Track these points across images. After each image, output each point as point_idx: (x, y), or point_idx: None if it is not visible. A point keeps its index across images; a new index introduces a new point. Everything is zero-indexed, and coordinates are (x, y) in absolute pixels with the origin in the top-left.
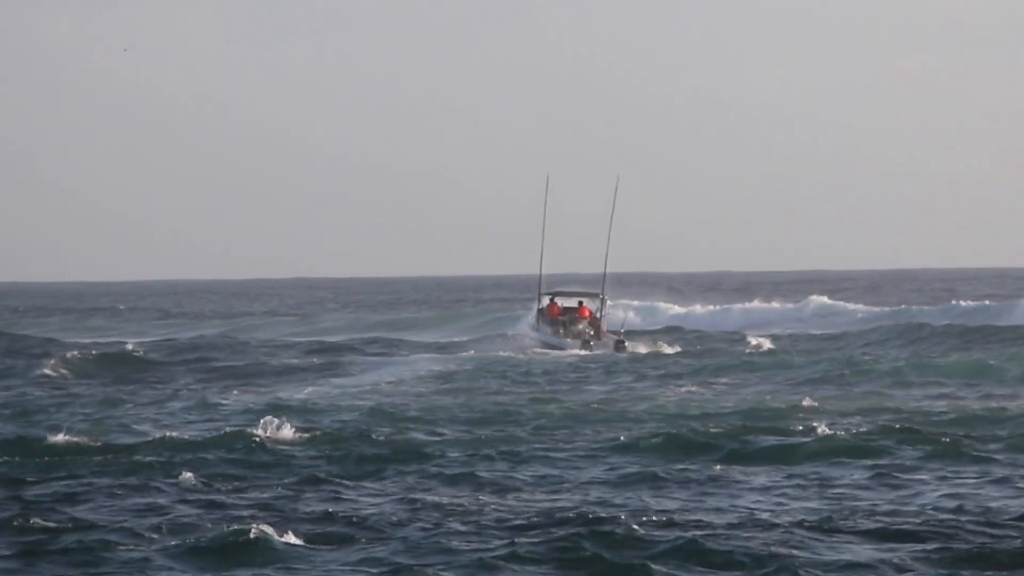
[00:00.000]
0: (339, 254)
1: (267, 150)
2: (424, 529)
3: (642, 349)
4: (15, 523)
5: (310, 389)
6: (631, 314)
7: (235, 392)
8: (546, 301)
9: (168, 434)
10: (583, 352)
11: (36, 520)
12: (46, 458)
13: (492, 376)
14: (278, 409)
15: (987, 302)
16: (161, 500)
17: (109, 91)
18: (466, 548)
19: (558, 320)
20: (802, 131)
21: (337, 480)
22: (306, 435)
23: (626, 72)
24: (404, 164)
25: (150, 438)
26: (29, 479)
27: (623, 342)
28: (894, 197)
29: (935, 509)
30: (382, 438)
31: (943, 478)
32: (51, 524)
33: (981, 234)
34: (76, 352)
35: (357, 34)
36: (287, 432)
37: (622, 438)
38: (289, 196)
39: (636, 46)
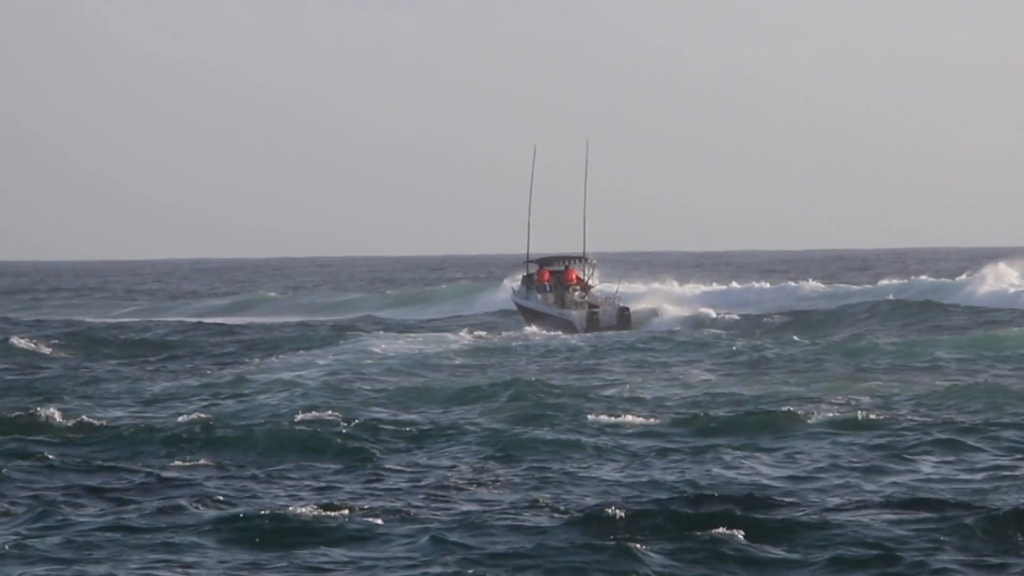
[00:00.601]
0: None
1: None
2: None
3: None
4: (61, 507)
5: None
6: (622, 286)
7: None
8: (534, 268)
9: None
10: (588, 327)
11: (83, 502)
12: (67, 436)
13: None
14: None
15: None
16: (195, 481)
17: (137, 69)
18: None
19: (546, 286)
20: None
21: (375, 459)
22: (327, 414)
23: (660, 47)
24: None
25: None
26: (62, 461)
27: (627, 310)
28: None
29: None
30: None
31: None
32: (91, 509)
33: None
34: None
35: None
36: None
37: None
38: (319, 173)
39: (667, 19)
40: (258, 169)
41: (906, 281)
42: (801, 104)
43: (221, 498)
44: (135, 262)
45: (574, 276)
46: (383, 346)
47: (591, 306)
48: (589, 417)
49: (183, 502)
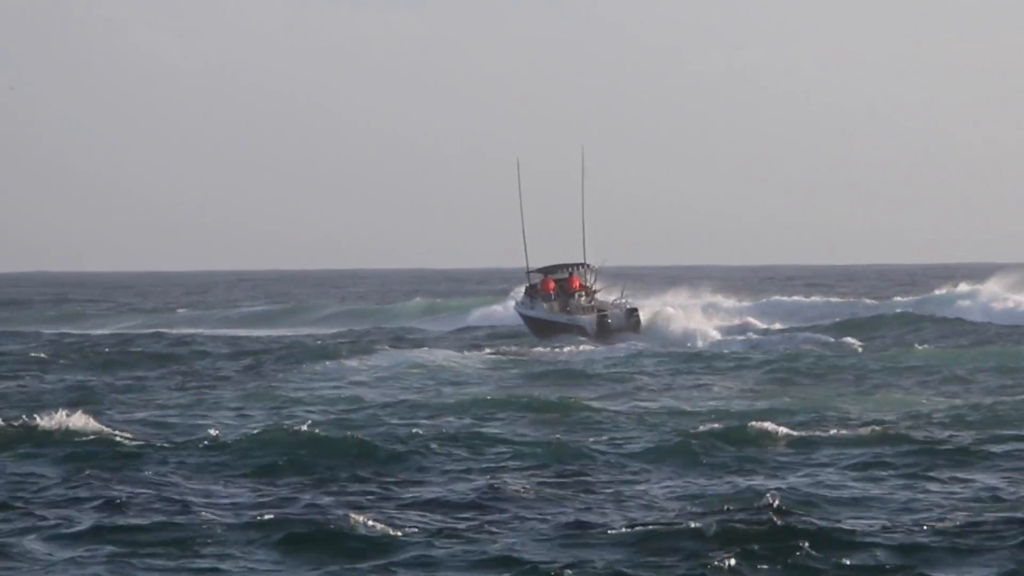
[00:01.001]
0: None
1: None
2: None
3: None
4: (106, 518)
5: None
6: (625, 293)
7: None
8: (538, 278)
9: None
10: (599, 331)
11: (131, 513)
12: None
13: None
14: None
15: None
16: (244, 491)
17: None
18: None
19: (551, 295)
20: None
21: (419, 469)
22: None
23: (665, 50)
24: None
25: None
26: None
27: (636, 311)
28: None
29: None
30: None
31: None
32: (144, 520)
33: None
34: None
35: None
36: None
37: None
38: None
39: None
40: (293, 180)
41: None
42: (835, 111)
43: (271, 511)
44: (167, 273)
45: (578, 283)
46: (426, 356)
47: (599, 311)
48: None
49: (232, 514)
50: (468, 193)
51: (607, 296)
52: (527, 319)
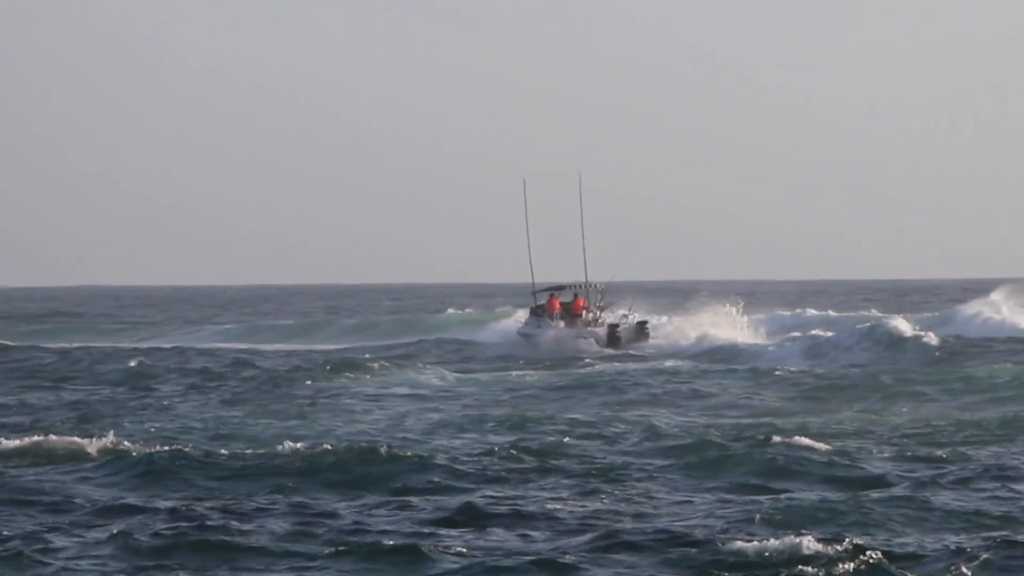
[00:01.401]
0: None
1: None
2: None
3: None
4: (184, 535)
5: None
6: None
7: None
8: (544, 298)
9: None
10: (608, 343)
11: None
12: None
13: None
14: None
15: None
16: (310, 507)
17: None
18: None
19: (557, 314)
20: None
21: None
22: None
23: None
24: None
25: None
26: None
27: (645, 323)
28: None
29: None
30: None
31: None
32: (225, 538)
33: None
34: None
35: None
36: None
37: None
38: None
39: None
40: (334, 193)
41: None
42: (877, 123)
43: (322, 526)
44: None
45: (582, 304)
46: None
47: (610, 325)
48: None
49: (290, 525)
50: (476, 207)
51: (615, 311)
52: (531, 337)
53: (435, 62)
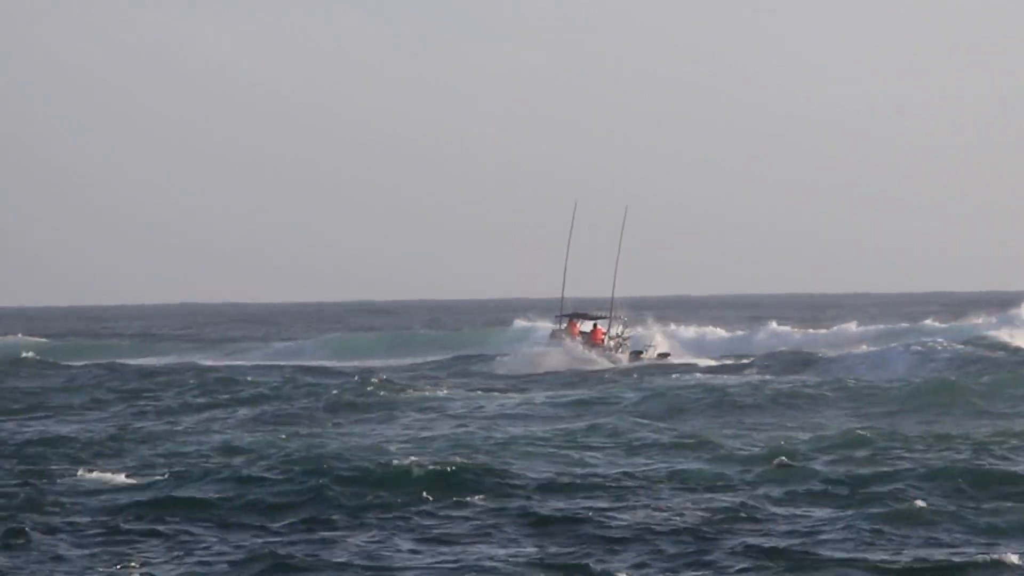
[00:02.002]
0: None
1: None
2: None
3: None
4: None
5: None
6: (658, 336)
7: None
8: (564, 323)
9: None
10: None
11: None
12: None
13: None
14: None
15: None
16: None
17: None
18: None
19: (577, 339)
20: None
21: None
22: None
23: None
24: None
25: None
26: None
27: (667, 355)
28: None
29: None
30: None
31: None
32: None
33: None
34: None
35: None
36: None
37: None
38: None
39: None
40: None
41: None
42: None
43: (420, 544)
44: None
45: (601, 335)
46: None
47: (633, 351)
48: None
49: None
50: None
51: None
52: (540, 358)
53: (477, 77)
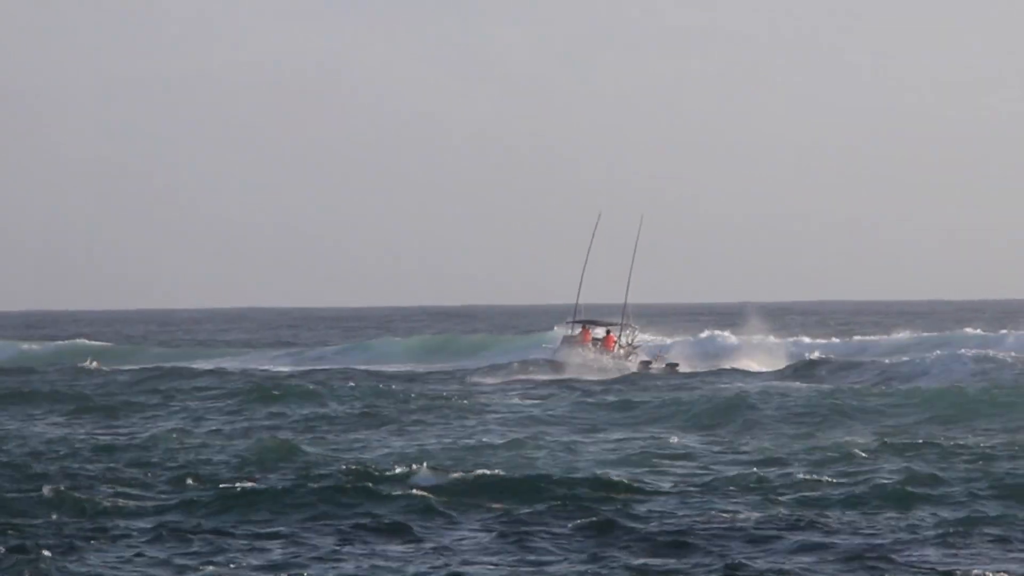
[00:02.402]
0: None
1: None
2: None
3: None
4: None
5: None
6: (667, 341)
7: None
8: (578, 329)
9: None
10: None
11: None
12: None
13: None
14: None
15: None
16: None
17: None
18: None
19: (588, 345)
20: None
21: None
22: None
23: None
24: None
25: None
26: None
27: (676, 365)
28: None
29: None
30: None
31: None
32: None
33: None
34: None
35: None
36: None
37: None
38: None
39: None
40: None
41: None
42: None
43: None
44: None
45: (613, 342)
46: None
47: (642, 361)
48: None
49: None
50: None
51: (649, 350)
52: (559, 365)
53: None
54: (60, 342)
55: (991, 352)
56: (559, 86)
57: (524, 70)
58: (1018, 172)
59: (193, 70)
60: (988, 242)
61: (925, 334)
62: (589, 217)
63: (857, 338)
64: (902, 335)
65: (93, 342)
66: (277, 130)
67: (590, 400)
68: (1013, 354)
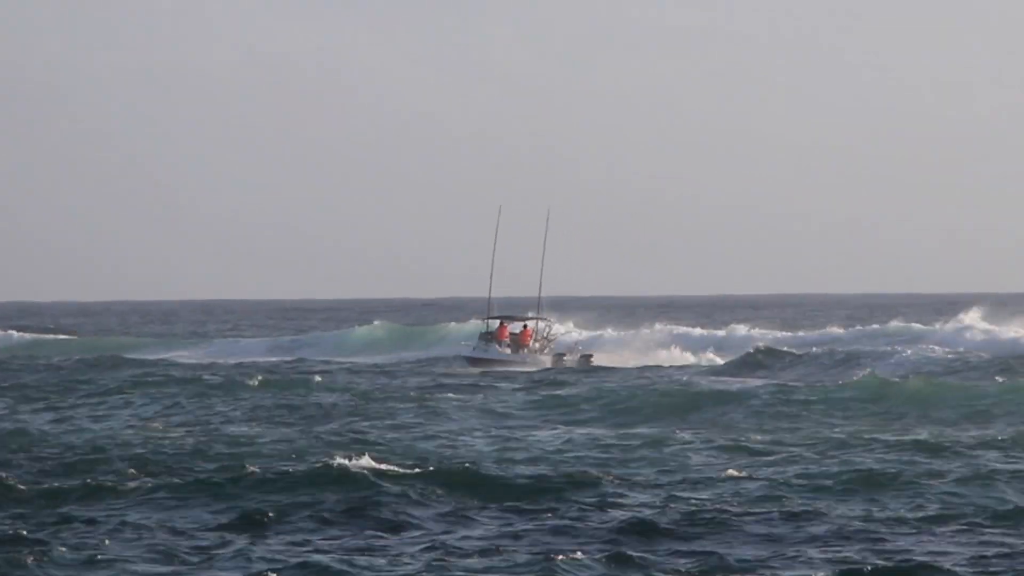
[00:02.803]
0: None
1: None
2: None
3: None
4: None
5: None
6: (580, 335)
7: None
8: (495, 324)
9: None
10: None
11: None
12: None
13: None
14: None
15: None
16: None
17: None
18: None
19: (505, 342)
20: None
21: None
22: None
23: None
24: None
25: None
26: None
27: (590, 356)
28: None
29: None
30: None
31: None
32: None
33: None
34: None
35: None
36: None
37: None
38: None
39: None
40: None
41: None
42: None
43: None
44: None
45: (530, 336)
46: None
47: (556, 353)
48: None
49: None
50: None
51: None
52: (476, 361)
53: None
54: None
55: (921, 347)
56: (559, 86)
57: (524, 70)
58: (1018, 172)
59: (193, 69)
60: (988, 241)
61: (860, 327)
62: (589, 217)
63: (801, 333)
64: (837, 330)
65: (24, 334)
66: (277, 129)
67: (512, 396)
68: (936, 347)
